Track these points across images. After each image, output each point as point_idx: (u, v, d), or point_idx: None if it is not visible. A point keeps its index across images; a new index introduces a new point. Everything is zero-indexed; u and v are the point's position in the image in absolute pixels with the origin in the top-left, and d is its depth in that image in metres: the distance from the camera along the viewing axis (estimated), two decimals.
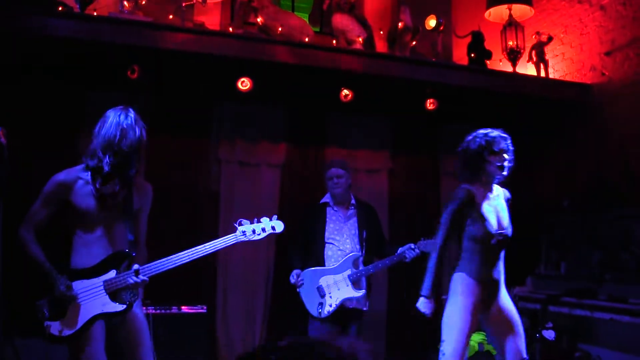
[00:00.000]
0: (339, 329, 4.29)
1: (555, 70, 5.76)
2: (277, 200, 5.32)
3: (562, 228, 5.12)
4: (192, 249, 3.04)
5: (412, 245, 4.27)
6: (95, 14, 4.37)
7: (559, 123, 5.66)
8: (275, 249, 5.17)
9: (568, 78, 5.64)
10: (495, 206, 3.49)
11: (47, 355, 3.95)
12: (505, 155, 3.46)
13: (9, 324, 3.17)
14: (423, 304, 3.46)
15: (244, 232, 3.16)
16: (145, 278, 2.94)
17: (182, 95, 5.06)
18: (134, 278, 2.92)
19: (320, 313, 4.18)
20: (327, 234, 4.38)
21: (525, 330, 4.92)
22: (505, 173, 3.48)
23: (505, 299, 3.52)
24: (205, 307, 4.57)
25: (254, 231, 3.18)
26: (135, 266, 2.94)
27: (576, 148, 5.49)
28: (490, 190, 3.54)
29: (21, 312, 3.43)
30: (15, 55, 4.33)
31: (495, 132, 3.49)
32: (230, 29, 4.86)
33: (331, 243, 4.36)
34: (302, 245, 4.38)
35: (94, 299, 2.91)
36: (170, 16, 4.87)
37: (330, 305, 4.20)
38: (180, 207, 5.01)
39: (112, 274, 2.95)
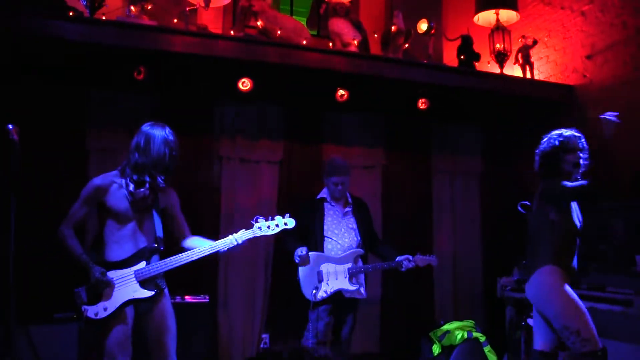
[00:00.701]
0: (337, 318, 4.48)
1: (540, 72, 6.00)
2: (276, 195, 5.51)
3: None
4: (214, 243, 3.41)
5: (410, 257, 4.46)
6: (103, 18, 4.53)
7: (544, 122, 5.86)
8: (274, 242, 5.34)
9: (552, 79, 5.89)
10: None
11: (57, 341, 4.15)
12: (580, 154, 3.63)
13: (22, 311, 3.39)
14: None
15: (260, 227, 3.52)
16: (170, 267, 3.32)
17: (185, 94, 5.25)
18: (156, 268, 3.30)
19: (314, 296, 4.32)
20: (325, 227, 4.54)
21: (511, 318, 5.21)
22: (581, 170, 3.63)
23: None
24: (207, 297, 4.73)
25: (268, 227, 3.54)
26: (156, 259, 3.34)
27: None
28: None
29: (33, 300, 3.68)
30: (26, 57, 4.53)
31: (568, 132, 3.68)
32: (232, 32, 5.03)
33: (330, 237, 4.52)
34: (298, 238, 4.49)
35: (126, 286, 3.27)
36: (175, 20, 5.02)
37: (325, 292, 4.37)
38: (183, 201, 5.18)
39: (142, 264, 3.30)
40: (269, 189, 5.51)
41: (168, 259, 3.33)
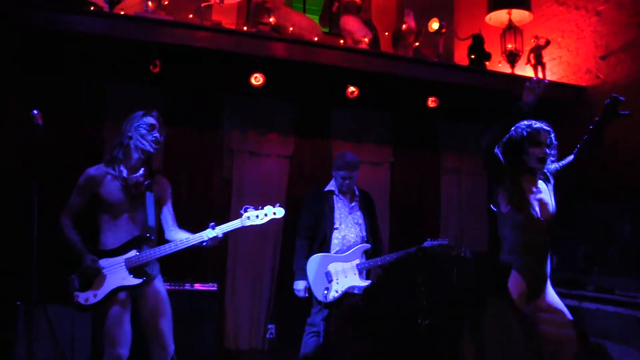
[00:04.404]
0: None
1: (553, 73, 6.19)
2: (285, 189, 5.79)
3: None
4: (200, 232, 3.65)
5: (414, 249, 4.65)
6: (122, 13, 4.89)
7: (554, 123, 6.07)
8: (282, 231, 5.63)
9: (565, 80, 6.07)
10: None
11: (74, 321, 4.49)
12: (548, 150, 3.53)
13: (42, 292, 3.74)
14: None
15: (248, 217, 3.74)
16: (155, 256, 3.59)
17: (198, 88, 5.56)
18: (146, 256, 3.58)
19: (325, 297, 4.50)
20: (334, 220, 4.75)
21: None
22: (543, 166, 3.55)
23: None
24: (216, 285, 4.97)
25: (257, 216, 3.75)
26: (146, 248, 3.61)
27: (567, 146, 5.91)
28: (535, 183, 3.61)
29: (53, 282, 4.01)
30: (48, 50, 4.90)
31: (538, 124, 3.58)
32: (245, 28, 5.33)
33: (337, 229, 4.73)
34: (309, 237, 4.72)
35: (115, 273, 3.55)
36: (190, 15, 5.33)
37: (337, 292, 4.55)
38: (194, 193, 5.51)
39: (132, 253, 3.60)
40: (278, 183, 5.79)
41: (157, 248, 3.60)
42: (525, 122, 3.60)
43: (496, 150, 3.51)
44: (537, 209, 3.54)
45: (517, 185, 3.56)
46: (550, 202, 3.64)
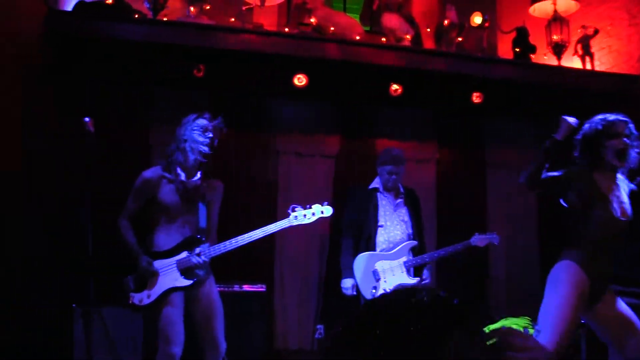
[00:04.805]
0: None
1: (602, 63, 6.07)
2: (331, 189, 5.82)
3: None
4: (249, 232, 3.73)
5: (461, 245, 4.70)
6: (165, 19, 5.01)
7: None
8: (330, 230, 5.64)
9: (615, 70, 5.94)
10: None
11: (126, 322, 4.57)
12: (627, 140, 3.35)
13: (97, 294, 3.85)
14: None
15: (295, 216, 3.79)
16: (206, 259, 3.66)
17: (242, 91, 5.63)
18: (197, 258, 3.64)
19: (374, 296, 4.47)
20: (379, 218, 4.73)
21: None
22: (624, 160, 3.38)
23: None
24: (264, 286, 5.03)
25: (304, 216, 3.81)
26: (198, 249, 3.67)
27: None
28: (614, 181, 3.47)
29: (105, 285, 4.13)
30: (96, 58, 5.04)
31: (613, 116, 3.40)
32: (286, 29, 5.39)
33: (382, 226, 4.71)
34: (354, 235, 4.72)
35: (168, 275, 3.65)
36: (232, 19, 5.40)
37: (385, 290, 4.52)
38: (240, 195, 5.55)
39: (183, 254, 3.68)
40: (324, 183, 5.84)
41: (208, 249, 3.67)
42: (599, 116, 3.44)
43: (544, 175, 3.42)
44: (615, 207, 3.40)
45: (594, 182, 3.42)
46: (627, 202, 3.49)
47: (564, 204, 3.58)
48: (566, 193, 3.49)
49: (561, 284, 3.31)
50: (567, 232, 3.54)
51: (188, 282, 3.64)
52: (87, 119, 3.45)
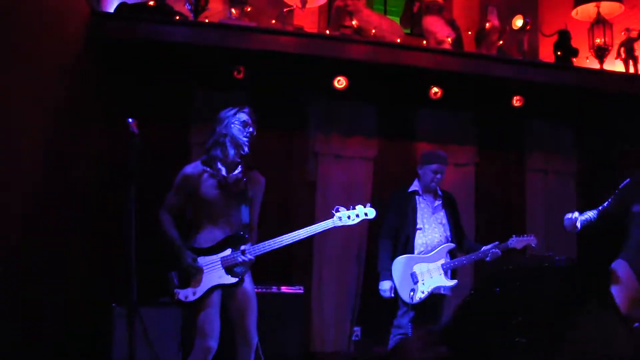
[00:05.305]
0: (429, 316, 4.62)
1: None
2: (370, 191, 5.83)
3: None
4: (293, 232, 3.69)
5: (495, 246, 4.61)
6: (207, 21, 5.06)
7: None
8: (367, 233, 5.66)
9: None
10: None
11: (163, 323, 4.66)
12: None
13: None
14: None
15: (340, 217, 3.76)
16: (251, 257, 3.64)
17: (282, 92, 5.67)
18: (242, 257, 3.62)
19: (412, 298, 4.51)
20: (417, 221, 4.72)
21: None
22: None
23: None
24: (302, 288, 5.06)
25: (349, 217, 3.77)
26: (243, 247, 3.64)
27: None
28: None
29: (143, 284, 4.16)
30: (140, 59, 5.12)
31: None
32: (327, 32, 5.42)
33: (420, 229, 4.71)
34: (393, 237, 4.69)
35: (212, 272, 3.63)
36: (273, 21, 5.42)
37: (423, 292, 4.54)
38: (280, 196, 5.58)
39: (227, 252, 3.65)
40: (363, 185, 5.86)
41: (252, 247, 3.64)
42: None
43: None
44: None
45: None
46: None
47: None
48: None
49: None
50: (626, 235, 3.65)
51: (233, 280, 3.61)
52: (130, 120, 3.47)
